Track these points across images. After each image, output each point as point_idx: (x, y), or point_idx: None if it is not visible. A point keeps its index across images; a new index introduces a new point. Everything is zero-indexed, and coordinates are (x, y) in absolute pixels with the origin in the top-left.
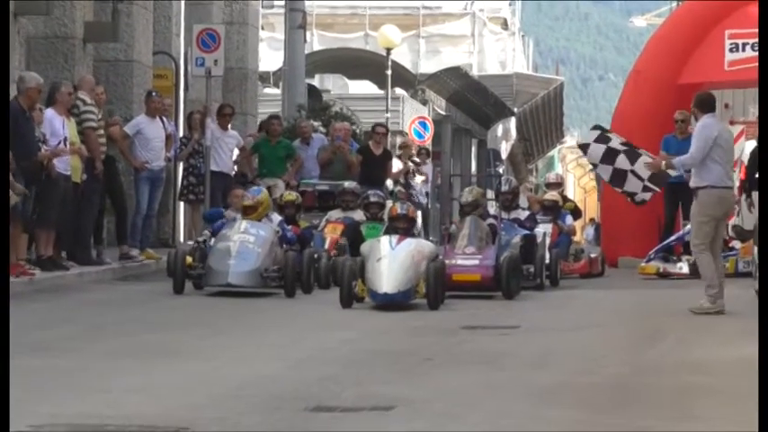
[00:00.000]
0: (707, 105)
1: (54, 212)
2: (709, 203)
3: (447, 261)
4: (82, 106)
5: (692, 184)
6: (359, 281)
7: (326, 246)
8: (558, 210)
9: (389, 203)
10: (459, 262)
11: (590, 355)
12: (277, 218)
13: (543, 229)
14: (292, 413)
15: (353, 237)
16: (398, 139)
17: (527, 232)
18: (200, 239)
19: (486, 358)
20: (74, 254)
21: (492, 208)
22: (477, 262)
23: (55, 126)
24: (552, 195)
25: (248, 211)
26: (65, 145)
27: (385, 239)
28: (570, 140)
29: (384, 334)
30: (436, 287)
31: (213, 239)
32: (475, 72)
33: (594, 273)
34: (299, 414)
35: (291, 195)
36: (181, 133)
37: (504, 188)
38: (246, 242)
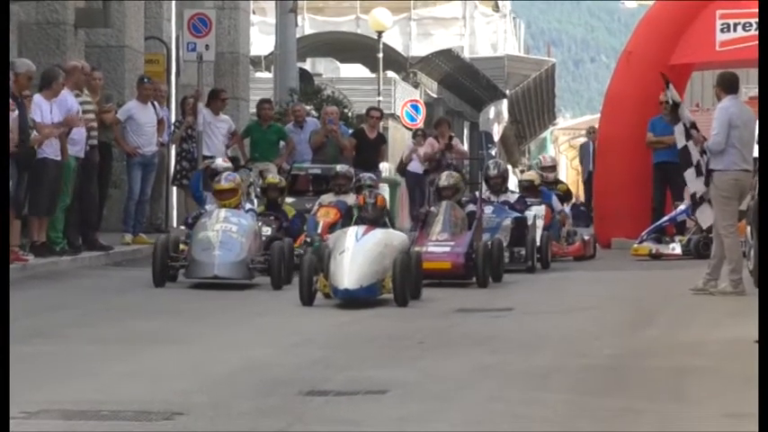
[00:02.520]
0: (730, 86)
1: (46, 198)
2: (724, 187)
3: (418, 248)
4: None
5: (710, 166)
6: (320, 276)
7: (319, 230)
8: (534, 190)
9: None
10: (431, 249)
11: (584, 337)
12: (249, 206)
13: (536, 212)
14: (286, 397)
15: (348, 222)
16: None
17: (518, 215)
18: (190, 221)
19: (479, 341)
20: (78, 239)
21: (482, 192)
22: (448, 249)
23: (44, 111)
24: (528, 175)
25: (225, 196)
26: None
27: (352, 230)
28: (562, 122)
29: (376, 318)
30: (403, 282)
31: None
32: (466, 54)
33: (587, 255)
34: (293, 398)
35: (275, 178)
36: (174, 118)
37: (493, 172)
38: (229, 232)
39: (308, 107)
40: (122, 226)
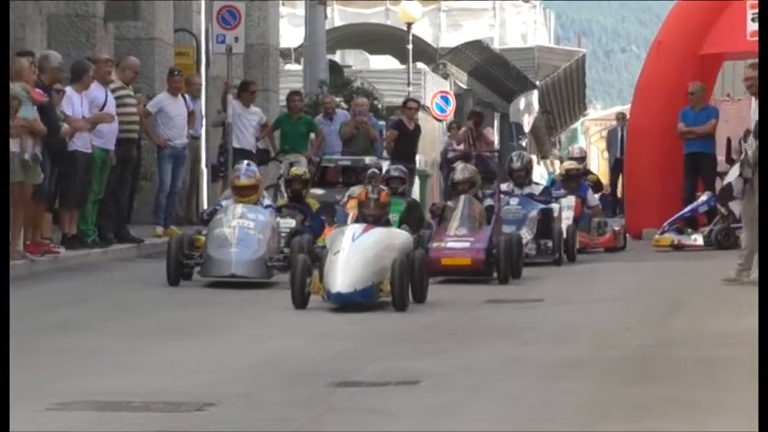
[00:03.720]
0: None
1: (76, 191)
2: None
3: (436, 244)
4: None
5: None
6: (313, 277)
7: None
8: (579, 179)
9: (360, 189)
10: (450, 245)
11: (613, 327)
12: (267, 202)
13: (567, 203)
14: (317, 388)
15: None
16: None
17: (544, 206)
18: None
19: (509, 332)
20: (112, 231)
21: (505, 185)
22: (467, 245)
23: (74, 104)
24: (570, 163)
25: (245, 192)
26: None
27: (350, 229)
28: (593, 113)
29: (415, 305)
30: (402, 285)
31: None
32: (496, 45)
33: (618, 246)
34: (324, 389)
35: (299, 170)
36: (204, 111)
37: (517, 164)
38: (246, 228)
39: (337, 99)
40: (153, 218)
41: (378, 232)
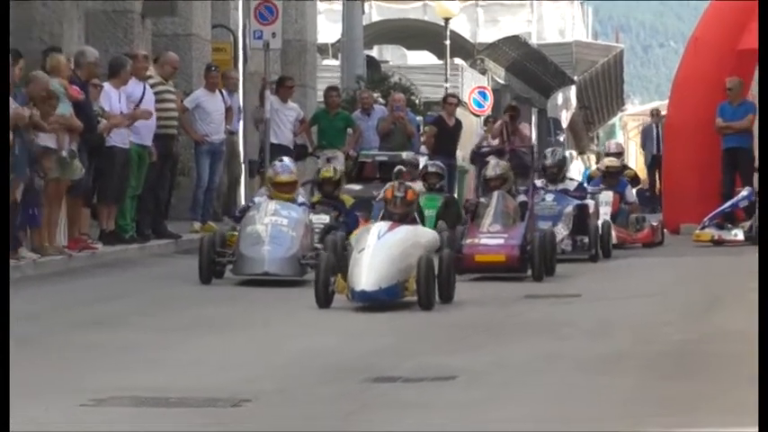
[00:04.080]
0: None
1: (114, 186)
2: None
3: (469, 240)
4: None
5: None
6: (338, 276)
7: None
8: (617, 175)
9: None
10: (483, 241)
11: (652, 322)
12: (302, 199)
13: (604, 198)
14: (353, 384)
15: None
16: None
17: (580, 202)
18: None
19: (546, 327)
20: (150, 227)
21: (539, 181)
22: (502, 241)
23: (112, 100)
24: (611, 161)
25: (285, 189)
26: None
27: (376, 227)
28: (631, 108)
29: (441, 306)
30: (428, 283)
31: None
32: (534, 41)
33: (656, 242)
34: (361, 384)
35: (328, 172)
36: (242, 106)
37: (549, 161)
38: (279, 225)
39: (375, 94)
40: (191, 214)
41: (404, 230)
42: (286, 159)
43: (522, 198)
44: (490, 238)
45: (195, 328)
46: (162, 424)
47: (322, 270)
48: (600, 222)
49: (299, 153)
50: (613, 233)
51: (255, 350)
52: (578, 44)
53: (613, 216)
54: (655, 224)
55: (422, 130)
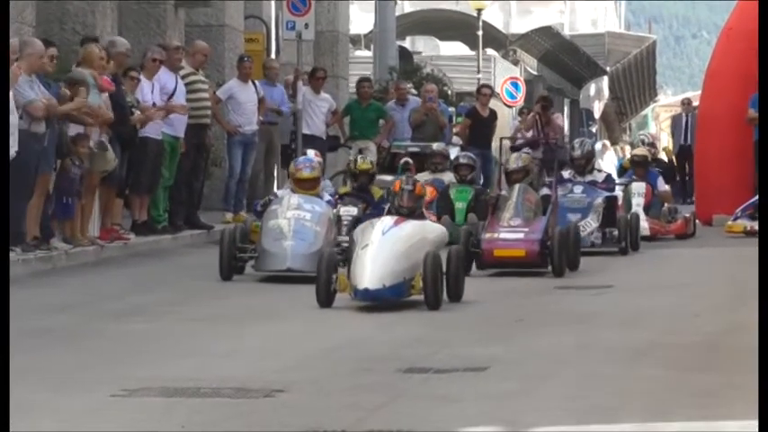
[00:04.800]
0: None
1: (147, 177)
2: None
3: (489, 234)
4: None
5: None
6: (340, 273)
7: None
8: (647, 166)
9: (394, 178)
10: (503, 235)
11: (683, 314)
12: (328, 197)
13: (637, 189)
14: (385, 374)
15: (443, 202)
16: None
17: (609, 194)
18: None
19: (578, 318)
20: (183, 218)
21: (566, 172)
22: (522, 236)
23: (145, 91)
24: (640, 150)
25: (307, 186)
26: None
27: (380, 222)
28: (663, 99)
29: (474, 295)
30: (435, 281)
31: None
32: (566, 31)
33: (689, 233)
34: (393, 375)
35: (366, 164)
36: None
37: (577, 153)
38: (302, 219)
39: (407, 85)
40: (223, 204)
41: (410, 225)
42: (310, 153)
43: (545, 191)
44: (510, 233)
45: (226, 319)
46: (195, 414)
47: (324, 267)
48: (629, 215)
49: (331, 144)
50: (646, 224)
51: (287, 341)
52: (611, 35)
53: (646, 207)
54: (687, 215)
55: (454, 121)
